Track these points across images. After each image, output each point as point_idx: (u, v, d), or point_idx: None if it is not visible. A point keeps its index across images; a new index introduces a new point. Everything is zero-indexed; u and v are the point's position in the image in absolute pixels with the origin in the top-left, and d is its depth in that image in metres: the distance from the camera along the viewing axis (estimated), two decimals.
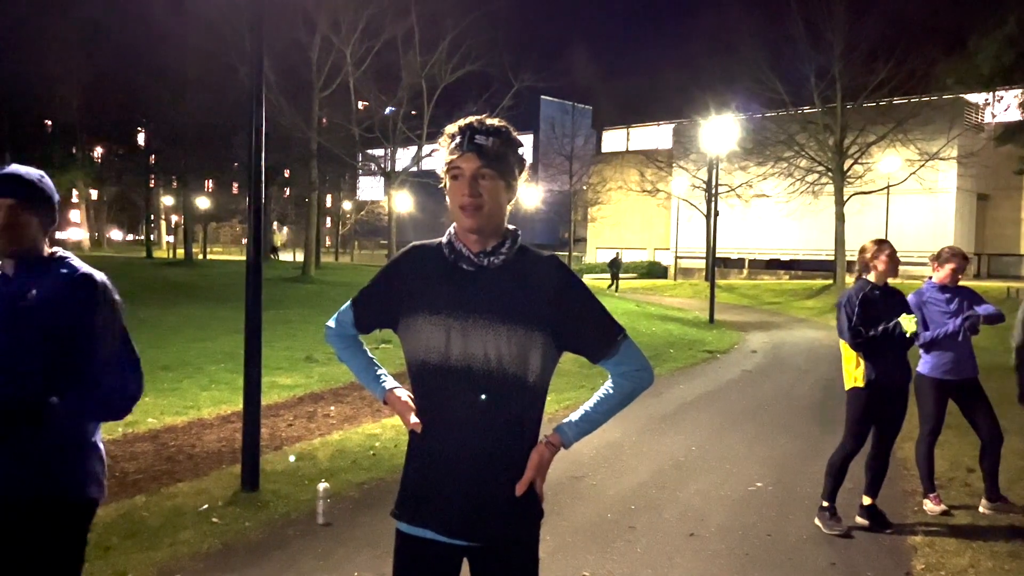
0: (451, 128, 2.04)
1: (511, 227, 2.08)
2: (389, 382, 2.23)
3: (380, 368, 2.29)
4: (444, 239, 2.09)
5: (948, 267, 5.38)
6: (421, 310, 2.01)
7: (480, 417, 1.97)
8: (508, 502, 2.00)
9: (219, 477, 5.90)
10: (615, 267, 35.81)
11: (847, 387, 5.07)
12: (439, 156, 2.06)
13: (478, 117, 2.05)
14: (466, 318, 1.97)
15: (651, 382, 2.17)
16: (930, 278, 5.51)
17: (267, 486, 5.58)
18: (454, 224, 2.07)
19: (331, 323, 2.32)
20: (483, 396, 1.96)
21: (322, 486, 5.13)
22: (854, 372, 5.00)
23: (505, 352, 1.96)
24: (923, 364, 5.41)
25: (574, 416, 2.13)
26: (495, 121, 2.04)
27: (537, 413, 2.06)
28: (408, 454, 2.13)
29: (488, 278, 2.01)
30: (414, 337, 2.03)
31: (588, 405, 2.14)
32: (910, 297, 5.31)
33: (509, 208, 2.07)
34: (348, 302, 2.27)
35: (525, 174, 2.11)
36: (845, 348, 5.02)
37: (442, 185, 2.07)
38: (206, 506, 5.22)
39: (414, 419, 2.07)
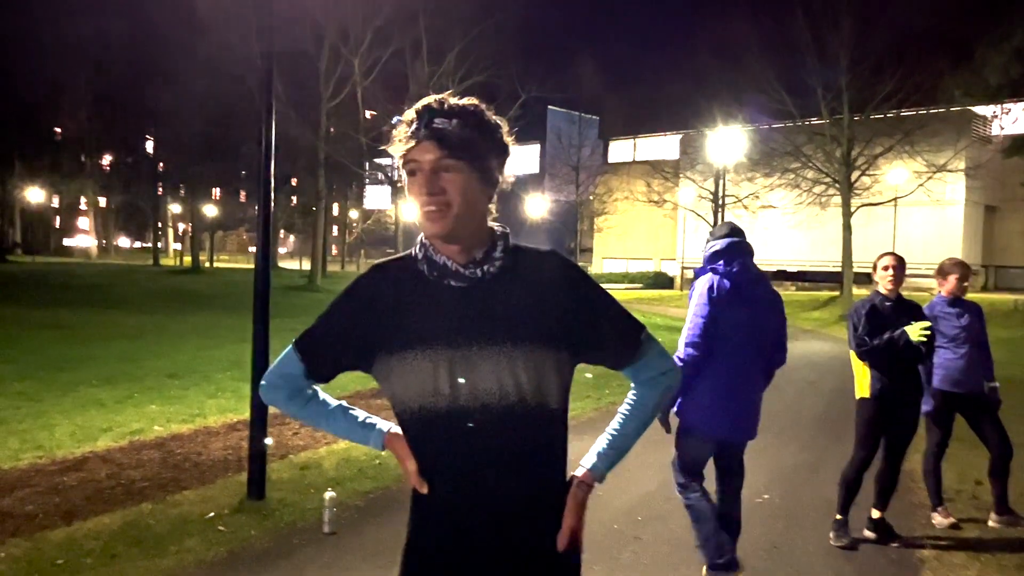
0: (408, 114, 1.65)
1: (497, 226, 1.72)
2: (381, 423, 1.82)
3: (358, 411, 1.87)
4: (416, 252, 1.71)
5: (952, 278, 5.38)
6: (409, 345, 1.62)
7: (503, 461, 1.62)
8: (547, 556, 1.67)
9: (225, 485, 5.91)
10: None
11: (856, 397, 5.07)
12: (395, 150, 1.66)
13: (439, 96, 1.65)
14: (470, 346, 1.60)
15: (679, 383, 1.89)
16: (939, 292, 5.49)
17: (273, 494, 5.58)
18: (424, 235, 1.70)
19: (265, 381, 1.84)
20: (500, 435, 1.62)
21: (328, 495, 5.13)
22: (862, 382, 4.99)
23: (523, 379, 1.60)
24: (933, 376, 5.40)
25: (600, 445, 1.79)
26: (461, 100, 1.66)
27: (563, 443, 1.73)
28: (414, 513, 1.74)
29: (485, 292, 1.64)
30: (405, 380, 1.63)
31: (613, 428, 1.81)
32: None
33: (492, 206, 1.71)
34: (288, 349, 1.80)
35: (507, 164, 1.72)
36: (854, 358, 5.02)
37: (400, 184, 1.77)
38: (212, 514, 5.22)
39: (413, 467, 1.70)
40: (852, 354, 5.02)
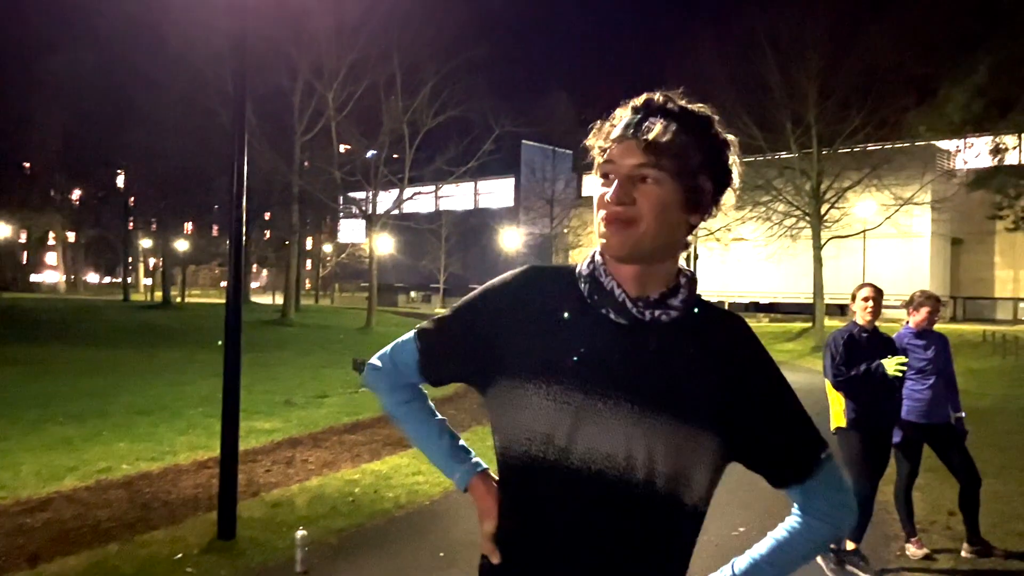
0: (622, 110, 1.36)
1: (687, 269, 1.41)
2: (476, 459, 1.54)
3: (457, 436, 1.59)
4: (583, 267, 1.40)
5: (924, 310, 5.45)
6: (535, 373, 1.33)
7: (605, 551, 1.30)
8: None
9: (195, 524, 5.79)
10: None
11: (832, 428, 5.11)
12: (596, 145, 1.37)
13: (666, 92, 1.36)
14: (606, 397, 1.29)
15: (853, 525, 1.52)
16: (907, 323, 5.57)
17: (244, 533, 5.48)
18: (598, 249, 1.39)
19: (377, 361, 1.58)
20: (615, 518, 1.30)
21: (300, 533, 5.04)
22: (838, 412, 5.05)
23: (660, 457, 1.28)
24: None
25: (737, 566, 1.45)
26: (690, 104, 1.36)
27: (689, 551, 1.39)
28: None
29: (647, 340, 1.33)
30: (517, 414, 1.33)
31: (760, 551, 1.46)
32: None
33: (691, 240, 1.39)
34: (410, 334, 1.54)
35: (730, 195, 1.39)
36: (830, 388, 5.07)
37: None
38: (181, 555, 5.12)
39: (490, 529, 1.41)
40: (828, 384, 5.07)
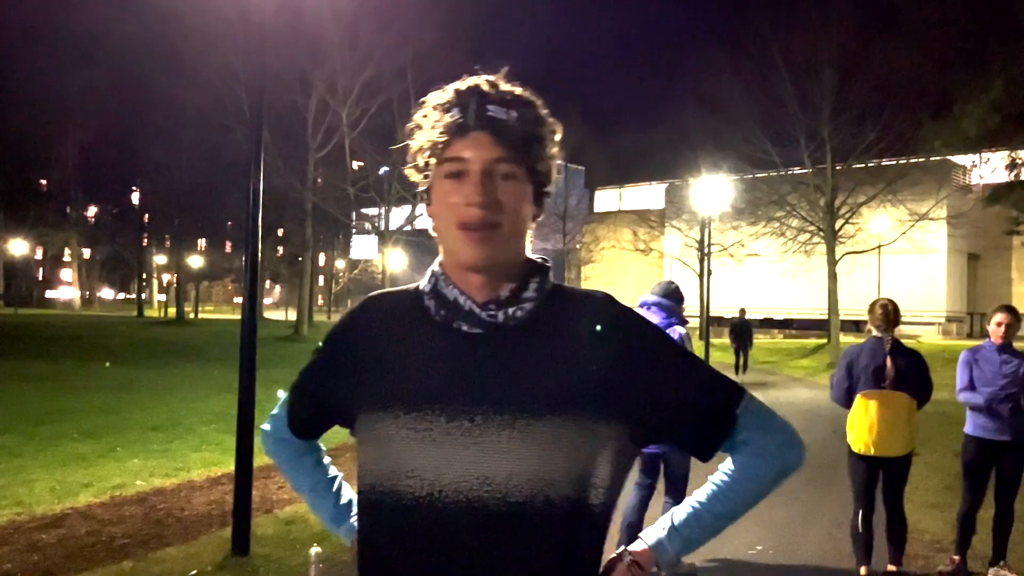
0: (439, 96, 1.24)
1: (536, 257, 1.30)
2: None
3: (343, 490, 1.54)
4: (424, 284, 1.28)
5: (993, 322, 5.19)
6: (390, 404, 1.19)
7: None
8: None
9: (209, 541, 5.78)
10: (741, 335, 21.82)
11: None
12: (424, 138, 1.24)
13: (489, 77, 1.24)
14: (472, 415, 1.15)
15: (801, 461, 1.31)
16: (988, 338, 5.33)
17: (258, 550, 5.46)
18: (438, 261, 1.28)
19: (267, 425, 1.54)
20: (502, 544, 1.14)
21: (314, 550, 4.99)
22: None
23: (547, 467, 1.13)
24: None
25: (677, 516, 1.32)
26: (516, 88, 1.24)
27: (599, 552, 1.23)
28: None
29: (507, 343, 1.20)
30: (378, 448, 1.20)
31: (699, 499, 1.32)
32: (964, 353, 5.25)
33: (530, 233, 1.29)
34: (288, 391, 1.49)
35: (557, 179, 1.31)
36: (859, 407, 4.94)
37: (421, 190, 1.27)
38: (195, 571, 5.10)
39: None
40: (862, 401, 4.91)
